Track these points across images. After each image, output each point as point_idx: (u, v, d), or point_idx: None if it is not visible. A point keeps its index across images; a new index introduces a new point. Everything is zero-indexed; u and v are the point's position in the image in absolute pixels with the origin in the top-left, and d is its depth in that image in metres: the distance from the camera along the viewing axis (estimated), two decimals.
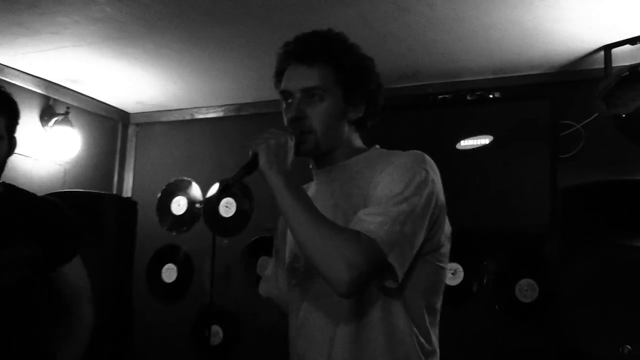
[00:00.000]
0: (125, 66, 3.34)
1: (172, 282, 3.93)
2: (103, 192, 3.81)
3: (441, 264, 1.37)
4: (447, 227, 1.40)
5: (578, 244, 2.54)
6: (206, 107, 4.07)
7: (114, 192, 4.15)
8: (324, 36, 1.42)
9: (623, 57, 2.88)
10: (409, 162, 1.32)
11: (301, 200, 1.25)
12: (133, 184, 4.26)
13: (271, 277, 1.65)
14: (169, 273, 3.93)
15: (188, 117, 4.15)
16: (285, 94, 1.42)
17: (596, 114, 2.96)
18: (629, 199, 2.49)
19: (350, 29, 1.52)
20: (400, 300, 1.31)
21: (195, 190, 3.98)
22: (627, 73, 2.72)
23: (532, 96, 3.13)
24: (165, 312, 3.91)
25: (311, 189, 1.50)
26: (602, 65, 2.93)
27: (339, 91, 1.40)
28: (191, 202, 3.96)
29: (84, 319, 1.93)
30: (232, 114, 4.03)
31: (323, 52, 1.39)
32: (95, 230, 3.10)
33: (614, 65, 2.90)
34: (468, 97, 3.23)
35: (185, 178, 4.02)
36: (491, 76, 3.30)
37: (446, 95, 3.31)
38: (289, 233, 1.50)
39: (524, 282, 3.13)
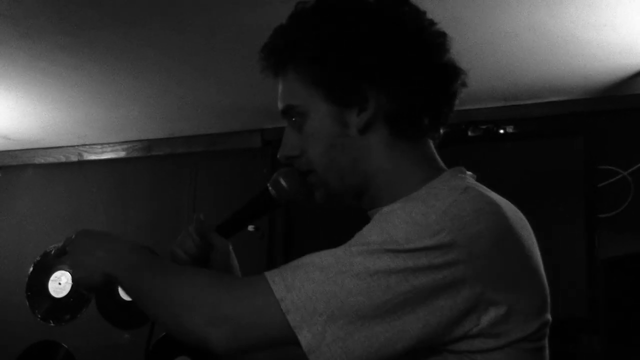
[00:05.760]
0: None
1: None
2: None
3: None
4: None
5: (627, 343, 2.52)
6: (101, 144, 4.03)
7: None
8: (283, 26, 1.34)
9: None
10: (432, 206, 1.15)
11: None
12: None
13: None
14: None
15: (74, 158, 4.10)
16: None
17: None
18: None
19: None
20: None
21: None
22: None
23: (559, 132, 3.08)
24: None
25: None
26: None
27: (320, 94, 1.26)
28: None
29: None
30: (139, 154, 3.99)
31: (282, 52, 1.30)
32: None
33: None
34: (470, 133, 3.18)
35: None
36: (502, 104, 3.26)
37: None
38: None
39: None
